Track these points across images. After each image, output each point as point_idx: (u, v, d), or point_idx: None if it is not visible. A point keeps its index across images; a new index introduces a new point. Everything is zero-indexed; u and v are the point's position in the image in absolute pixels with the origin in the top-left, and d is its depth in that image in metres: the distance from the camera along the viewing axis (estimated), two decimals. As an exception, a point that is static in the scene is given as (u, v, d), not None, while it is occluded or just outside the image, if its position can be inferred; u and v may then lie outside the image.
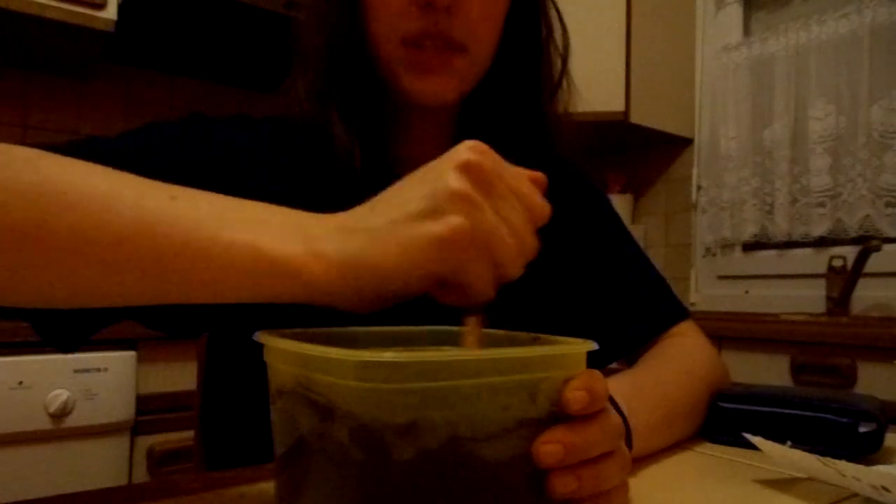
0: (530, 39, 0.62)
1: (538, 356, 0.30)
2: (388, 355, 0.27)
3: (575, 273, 0.68)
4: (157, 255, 0.33)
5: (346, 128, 0.56)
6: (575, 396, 0.30)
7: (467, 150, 0.33)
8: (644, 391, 0.53)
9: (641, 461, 0.49)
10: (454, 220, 0.31)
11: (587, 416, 0.31)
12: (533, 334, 0.38)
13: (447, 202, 0.32)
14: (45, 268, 0.33)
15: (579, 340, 0.33)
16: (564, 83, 0.64)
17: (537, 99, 0.63)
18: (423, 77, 0.54)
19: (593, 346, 0.32)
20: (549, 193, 0.65)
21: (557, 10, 0.63)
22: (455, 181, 0.32)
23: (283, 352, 0.31)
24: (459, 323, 0.37)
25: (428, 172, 0.34)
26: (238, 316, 0.57)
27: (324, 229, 0.34)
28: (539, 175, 0.36)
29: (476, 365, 0.28)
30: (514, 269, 0.33)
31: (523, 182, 0.34)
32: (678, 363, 0.61)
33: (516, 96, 0.62)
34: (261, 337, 0.33)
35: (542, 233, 0.68)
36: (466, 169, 0.32)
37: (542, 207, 0.34)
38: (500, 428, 0.29)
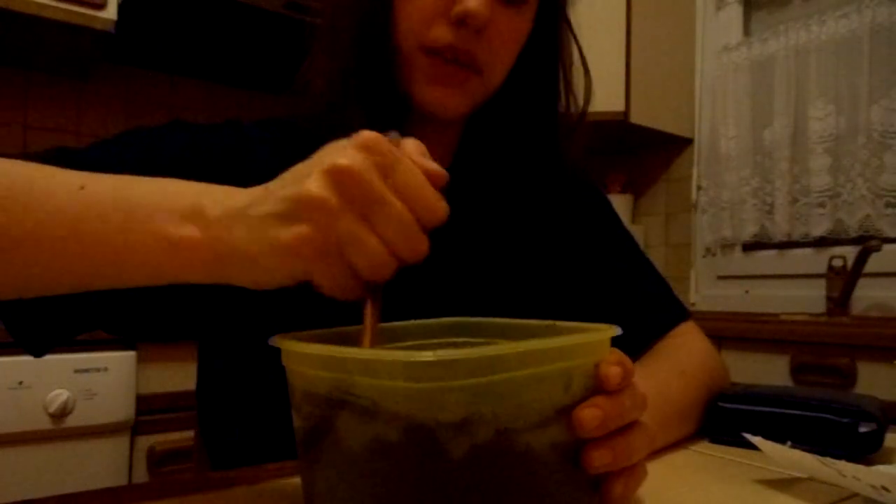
0: (542, 70, 0.62)
1: (575, 344, 0.31)
2: (439, 353, 0.27)
3: (577, 276, 0.68)
4: (61, 253, 0.36)
5: (367, 121, 0.56)
6: (613, 371, 0.32)
7: (345, 150, 0.33)
8: None
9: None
10: (299, 230, 0.32)
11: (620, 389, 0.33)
12: (546, 322, 0.39)
13: (301, 209, 0.32)
14: None
15: (604, 326, 0.34)
16: (571, 94, 0.65)
17: (544, 123, 0.63)
18: (437, 88, 0.54)
19: (618, 330, 0.33)
20: (551, 198, 0.66)
21: (582, 55, 0.64)
22: (315, 187, 0.32)
23: (316, 356, 0.31)
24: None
25: (304, 168, 0.34)
26: (216, 320, 0.58)
27: (221, 212, 0.35)
28: (437, 171, 0.34)
29: (522, 357, 0.29)
30: (378, 275, 0.33)
31: (414, 181, 0.33)
32: (674, 364, 0.61)
33: (522, 119, 0.63)
34: (282, 343, 0.33)
35: (545, 236, 0.68)
36: (333, 174, 0.32)
37: (434, 206, 0.33)
38: (540, 417, 0.30)
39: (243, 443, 0.58)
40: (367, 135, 0.33)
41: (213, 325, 0.59)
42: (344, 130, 0.56)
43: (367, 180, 0.32)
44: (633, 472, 0.34)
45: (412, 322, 0.43)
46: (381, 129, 0.55)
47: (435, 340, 0.44)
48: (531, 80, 0.62)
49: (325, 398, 0.31)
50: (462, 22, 0.51)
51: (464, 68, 0.54)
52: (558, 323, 0.39)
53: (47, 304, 0.48)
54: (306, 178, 0.32)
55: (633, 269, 0.72)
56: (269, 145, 0.60)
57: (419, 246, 0.33)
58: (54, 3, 1.36)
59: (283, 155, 0.60)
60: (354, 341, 0.39)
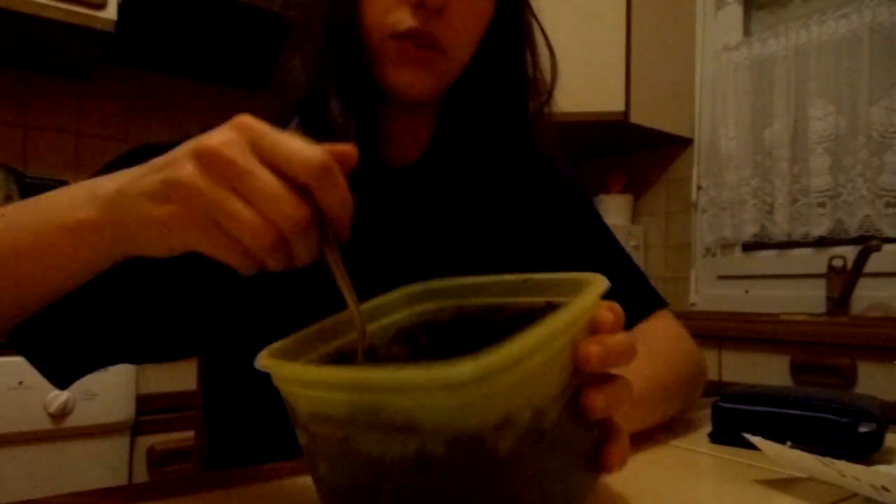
0: (509, 51, 0.64)
1: (583, 310, 0.32)
2: (477, 364, 0.25)
3: (552, 263, 0.69)
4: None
5: (343, 109, 0.57)
6: (607, 317, 0.34)
7: (217, 131, 0.34)
8: None
9: (640, 461, 0.49)
10: (168, 209, 0.34)
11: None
12: (520, 276, 0.40)
13: (170, 190, 0.34)
14: None
15: (590, 278, 0.36)
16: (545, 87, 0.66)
17: (515, 104, 0.65)
18: (403, 71, 0.56)
19: (606, 282, 0.35)
20: (527, 186, 0.67)
21: (545, 34, 0.66)
22: (183, 170, 0.34)
23: (327, 381, 0.30)
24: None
25: (179, 150, 0.35)
26: (223, 333, 0.59)
27: (109, 191, 0.38)
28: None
29: (541, 342, 0.28)
30: (258, 242, 0.33)
31: (279, 142, 0.33)
32: (643, 346, 0.61)
33: (493, 101, 0.64)
34: (274, 366, 0.32)
35: (522, 224, 0.69)
36: (201, 155, 0.33)
37: (308, 162, 0.33)
38: (560, 387, 0.31)
39: (247, 444, 0.58)
40: (241, 117, 0.34)
41: (220, 337, 0.59)
42: (324, 123, 0.57)
43: (232, 155, 0.33)
44: (624, 441, 0.36)
45: (381, 299, 0.44)
46: (359, 117, 0.52)
47: (413, 310, 0.45)
48: (499, 63, 0.64)
49: (343, 420, 0.29)
50: (420, 4, 0.53)
51: (428, 50, 0.55)
52: (534, 276, 0.40)
53: (70, 339, 0.51)
54: (177, 160, 0.34)
55: (607, 258, 0.72)
56: None
57: (288, 209, 0.33)
58: (54, 3, 1.36)
59: None
60: (341, 331, 0.40)
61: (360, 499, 0.31)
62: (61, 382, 0.53)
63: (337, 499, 0.33)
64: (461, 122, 0.65)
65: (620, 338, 0.34)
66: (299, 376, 0.31)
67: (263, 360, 0.33)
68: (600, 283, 0.35)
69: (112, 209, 0.37)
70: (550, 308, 0.39)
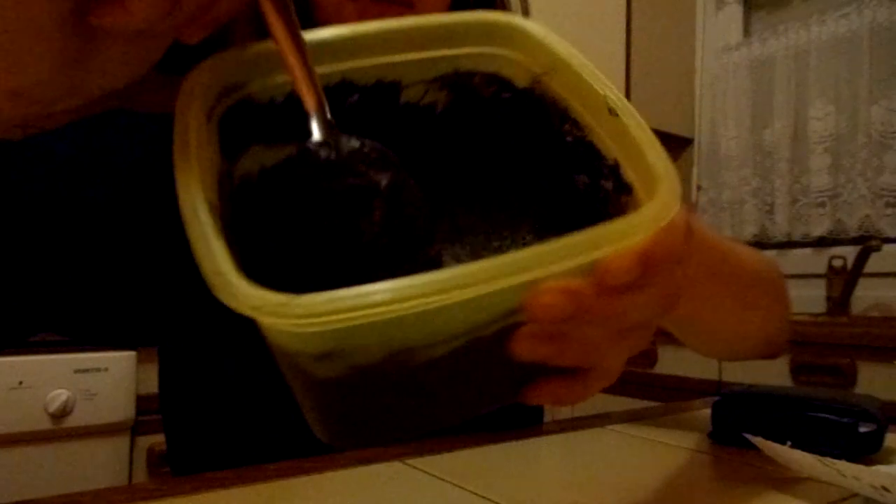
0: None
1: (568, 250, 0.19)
2: (295, 305, 0.16)
3: None
4: None
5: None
6: (615, 265, 0.20)
7: None
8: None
9: (640, 461, 0.49)
10: None
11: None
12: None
13: None
14: None
15: (661, 181, 0.22)
16: None
17: None
18: None
19: (673, 207, 0.21)
20: None
21: None
22: None
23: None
24: None
25: None
26: (169, 325, 0.55)
27: None
28: None
29: (434, 294, 0.17)
30: None
31: None
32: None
33: None
34: (180, 103, 0.25)
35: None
36: None
37: None
38: (479, 323, 0.20)
39: (211, 448, 0.56)
40: None
41: (165, 330, 0.56)
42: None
43: None
44: (580, 377, 0.23)
45: (357, 28, 0.30)
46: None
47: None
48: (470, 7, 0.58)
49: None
50: None
51: (393, 4, 0.48)
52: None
53: None
54: None
55: None
56: None
57: None
58: (54, 3, 1.36)
59: None
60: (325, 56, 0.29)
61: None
62: None
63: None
64: None
65: (629, 300, 0.21)
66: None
67: (189, 81, 0.26)
68: (667, 202, 0.21)
69: None
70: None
